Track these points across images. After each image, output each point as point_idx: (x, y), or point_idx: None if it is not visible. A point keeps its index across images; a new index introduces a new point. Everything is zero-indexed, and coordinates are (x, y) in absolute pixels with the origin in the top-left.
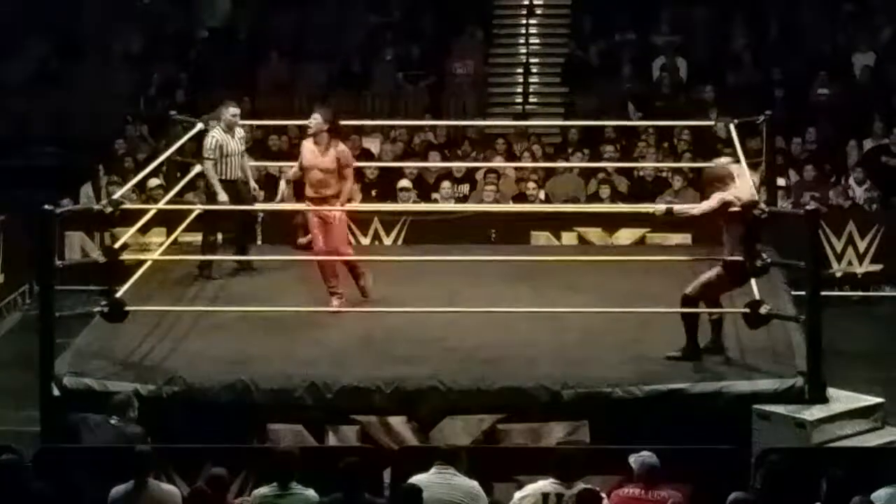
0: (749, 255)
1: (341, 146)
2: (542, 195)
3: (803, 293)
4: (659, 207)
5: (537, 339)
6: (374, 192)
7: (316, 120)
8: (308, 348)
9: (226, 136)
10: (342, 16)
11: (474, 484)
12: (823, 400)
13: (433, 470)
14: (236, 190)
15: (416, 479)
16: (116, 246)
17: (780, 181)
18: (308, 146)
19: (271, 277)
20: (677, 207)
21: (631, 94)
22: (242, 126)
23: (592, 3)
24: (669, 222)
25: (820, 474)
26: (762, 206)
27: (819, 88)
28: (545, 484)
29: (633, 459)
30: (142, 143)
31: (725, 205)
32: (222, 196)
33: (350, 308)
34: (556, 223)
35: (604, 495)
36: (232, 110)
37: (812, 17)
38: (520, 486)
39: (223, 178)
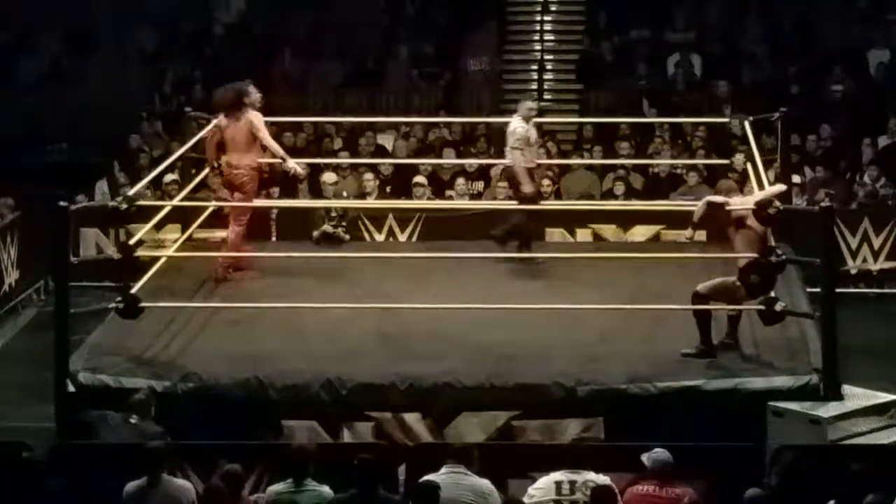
0: (764, 257)
1: None
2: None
3: (818, 290)
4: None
5: (552, 336)
6: (388, 189)
7: None
8: (323, 345)
9: (528, 128)
10: (356, 13)
11: (486, 483)
12: (838, 397)
13: (444, 469)
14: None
15: (428, 478)
16: (131, 242)
17: (795, 178)
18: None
19: (286, 274)
20: (696, 218)
21: (646, 90)
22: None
23: None
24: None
25: (836, 472)
26: (777, 203)
27: (834, 85)
28: (557, 474)
29: (647, 457)
30: (157, 140)
31: (714, 206)
32: (528, 187)
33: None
34: (571, 220)
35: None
36: (529, 104)
37: (827, 14)
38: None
39: (530, 166)
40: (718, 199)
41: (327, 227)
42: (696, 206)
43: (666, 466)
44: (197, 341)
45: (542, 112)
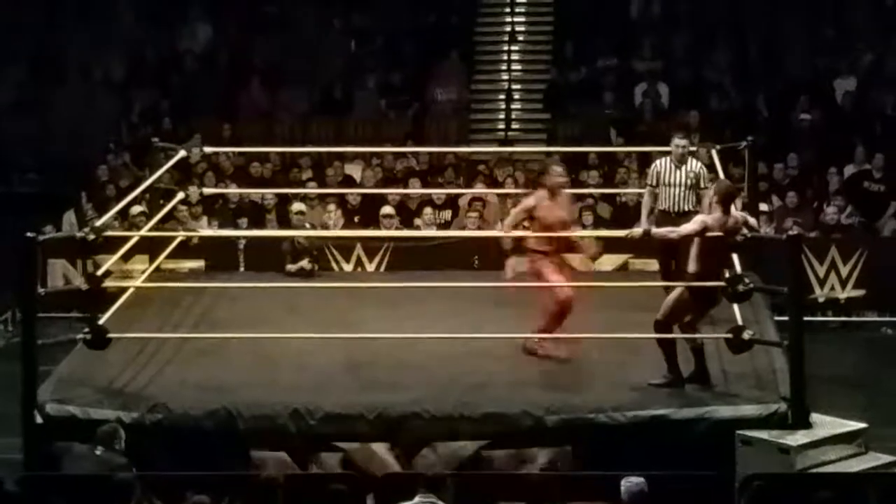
0: (713, 275)
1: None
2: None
3: (786, 318)
4: (635, 231)
5: (520, 365)
6: (356, 219)
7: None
8: (291, 375)
9: (669, 167)
10: (323, 42)
11: None
12: (807, 425)
13: (417, 498)
14: (671, 222)
15: None
16: (99, 273)
17: (763, 207)
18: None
19: (254, 304)
20: (655, 231)
21: (613, 119)
22: (694, 160)
23: (574, 29)
24: (648, 246)
25: (805, 501)
26: (744, 230)
27: (801, 114)
28: None
29: (623, 484)
30: (124, 171)
31: (706, 229)
32: (643, 225)
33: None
34: None
35: None
36: (674, 140)
37: (793, 43)
38: None
39: (662, 208)
40: (710, 221)
41: (305, 264)
42: (687, 225)
43: (637, 496)
44: (165, 372)
45: (509, 141)
